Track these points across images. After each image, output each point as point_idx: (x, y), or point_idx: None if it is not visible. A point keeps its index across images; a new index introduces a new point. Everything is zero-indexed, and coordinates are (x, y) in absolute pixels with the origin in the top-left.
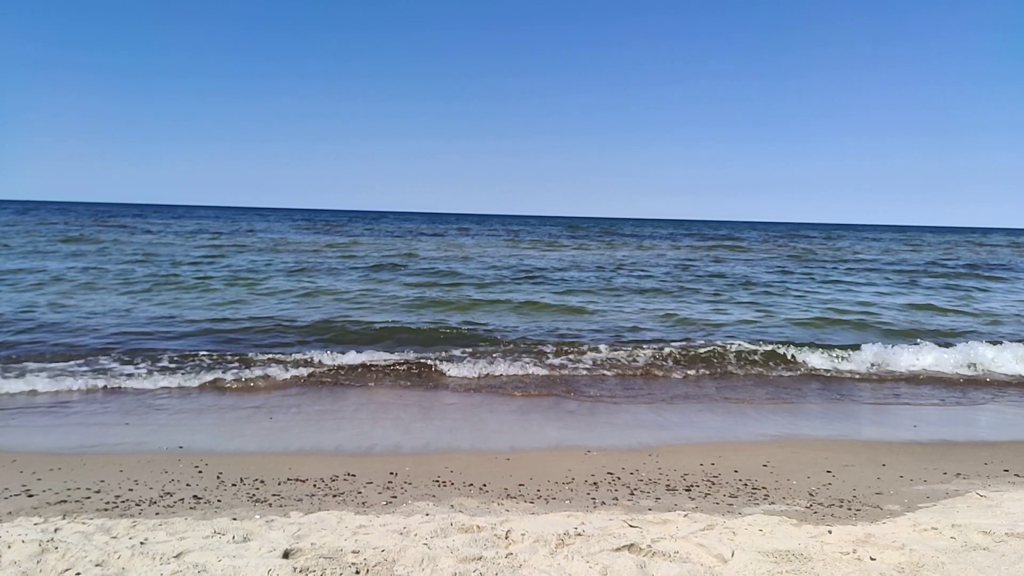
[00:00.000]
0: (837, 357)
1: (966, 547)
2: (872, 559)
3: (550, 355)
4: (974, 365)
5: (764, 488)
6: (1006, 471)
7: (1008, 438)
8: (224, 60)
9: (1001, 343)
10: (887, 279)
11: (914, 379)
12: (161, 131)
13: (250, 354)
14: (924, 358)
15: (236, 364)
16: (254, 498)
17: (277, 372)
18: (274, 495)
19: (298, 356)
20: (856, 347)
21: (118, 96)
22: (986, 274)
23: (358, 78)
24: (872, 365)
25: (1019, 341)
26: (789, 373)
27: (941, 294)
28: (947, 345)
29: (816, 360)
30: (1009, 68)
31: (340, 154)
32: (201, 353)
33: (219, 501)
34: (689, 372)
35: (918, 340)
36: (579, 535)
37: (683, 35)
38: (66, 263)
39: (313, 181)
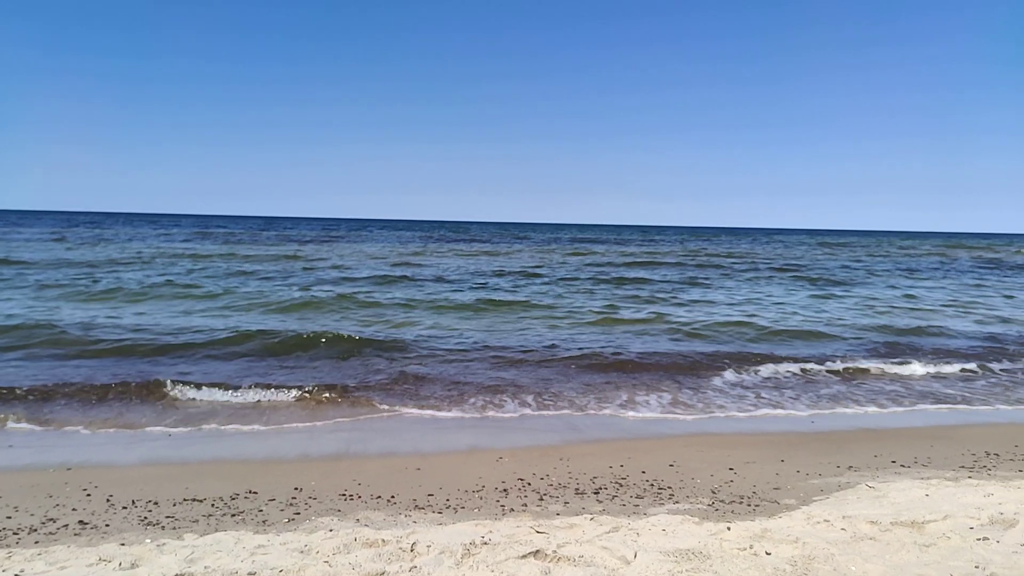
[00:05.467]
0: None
1: (855, 538)
2: (768, 553)
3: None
4: None
5: (669, 488)
6: (893, 462)
7: (893, 426)
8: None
9: None
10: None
11: None
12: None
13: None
14: None
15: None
16: (146, 521)
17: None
18: (168, 517)
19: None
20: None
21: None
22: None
23: (327, 83)
24: None
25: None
26: None
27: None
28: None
29: None
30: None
31: (290, 162)
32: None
33: (107, 526)
34: None
35: None
36: (486, 544)
37: (682, 38)
38: None
39: (278, 188)
